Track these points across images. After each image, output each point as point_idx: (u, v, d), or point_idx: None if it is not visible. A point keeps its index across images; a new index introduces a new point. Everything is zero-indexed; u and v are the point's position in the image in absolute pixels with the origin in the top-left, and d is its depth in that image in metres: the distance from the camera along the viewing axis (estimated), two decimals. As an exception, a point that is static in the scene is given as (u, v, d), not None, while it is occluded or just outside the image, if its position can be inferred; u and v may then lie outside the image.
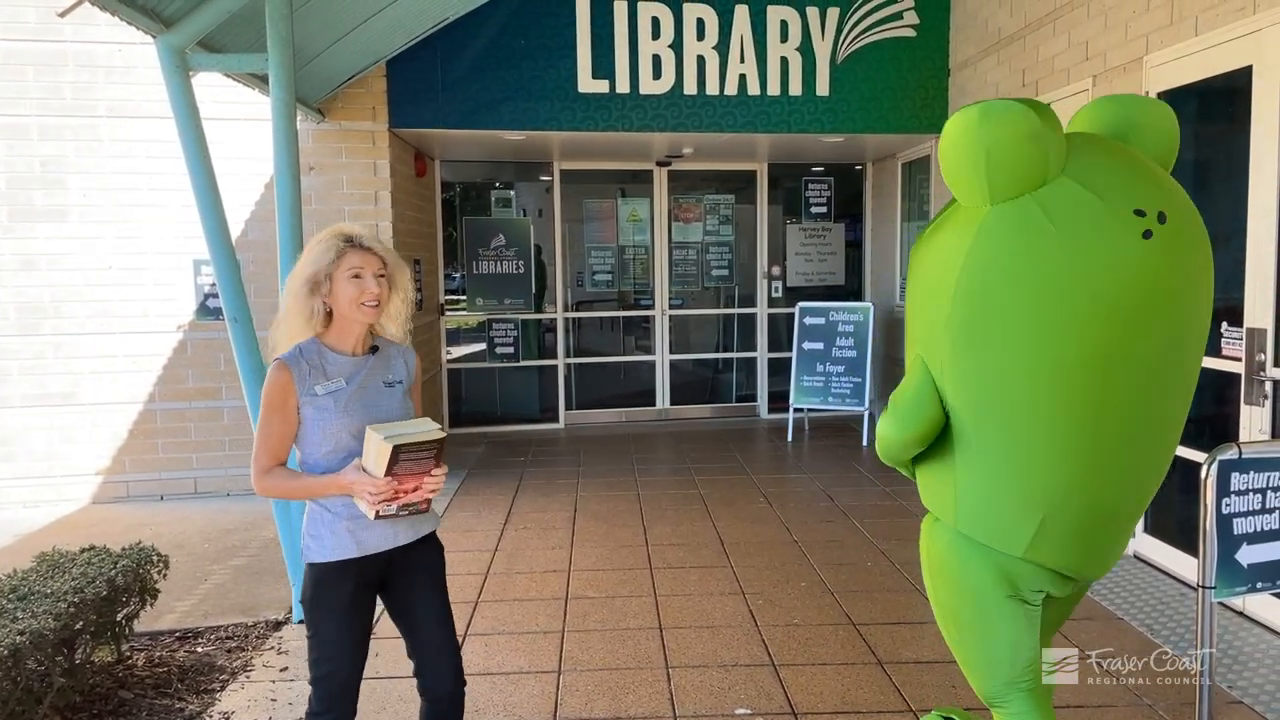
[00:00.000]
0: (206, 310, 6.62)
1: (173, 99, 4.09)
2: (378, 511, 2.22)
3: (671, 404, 9.57)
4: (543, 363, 9.28)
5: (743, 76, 7.24)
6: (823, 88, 7.33)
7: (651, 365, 9.52)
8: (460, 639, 4.08)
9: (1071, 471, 2.07)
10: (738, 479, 7.00)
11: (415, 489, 2.23)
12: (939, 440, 2.20)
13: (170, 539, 5.71)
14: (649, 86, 7.14)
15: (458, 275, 9.19)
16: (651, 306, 9.50)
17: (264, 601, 4.64)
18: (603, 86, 7.09)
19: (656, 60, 7.12)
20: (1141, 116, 2.16)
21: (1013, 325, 1.95)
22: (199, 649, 4.07)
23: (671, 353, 9.56)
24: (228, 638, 4.20)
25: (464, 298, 9.12)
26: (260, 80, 5.62)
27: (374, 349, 2.40)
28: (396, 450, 2.14)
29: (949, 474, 2.19)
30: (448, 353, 9.09)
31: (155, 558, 3.85)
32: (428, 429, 2.23)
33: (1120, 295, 1.91)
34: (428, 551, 2.45)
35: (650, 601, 4.52)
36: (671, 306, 9.53)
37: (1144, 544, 4.97)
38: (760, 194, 9.57)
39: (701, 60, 7.18)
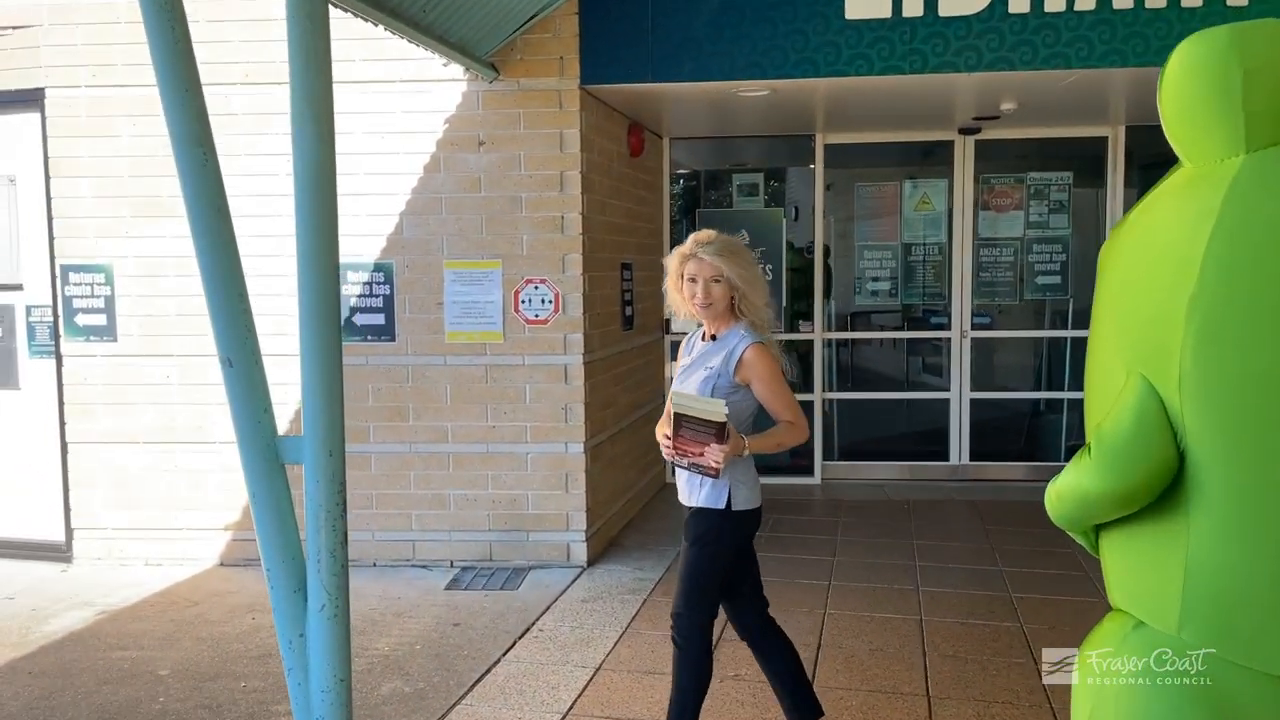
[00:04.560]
0: (354, 328, 5.20)
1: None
2: (673, 460, 2.92)
3: (971, 459, 7.23)
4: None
5: (1105, -21, 4.75)
6: (1242, -11, 4.66)
7: (944, 404, 7.25)
8: None
9: None
10: (1080, 599, 4.52)
11: (700, 454, 2.79)
12: (1158, 501, 1.55)
13: (269, 637, 4.28)
14: (952, 5, 4.84)
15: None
16: (946, 325, 7.30)
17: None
18: (882, 9, 4.88)
19: (966, -36, 4.84)
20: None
21: None
22: None
23: (973, 389, 7.24)
24: None
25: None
26: None
27: (713, 338, 3.05)
28: (678, 417, 2.82)
29: (1173, 548, 1.54)
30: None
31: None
32: (713, 409, 2.76)
33: None
34: (698, 522, 2.97)
35: None
36: (975, 326, 7.26)
37: None
38: (1113, 171, 6.99)
39: (1038, -41, 4.79)
